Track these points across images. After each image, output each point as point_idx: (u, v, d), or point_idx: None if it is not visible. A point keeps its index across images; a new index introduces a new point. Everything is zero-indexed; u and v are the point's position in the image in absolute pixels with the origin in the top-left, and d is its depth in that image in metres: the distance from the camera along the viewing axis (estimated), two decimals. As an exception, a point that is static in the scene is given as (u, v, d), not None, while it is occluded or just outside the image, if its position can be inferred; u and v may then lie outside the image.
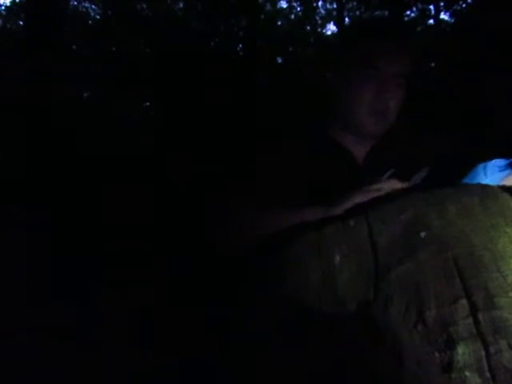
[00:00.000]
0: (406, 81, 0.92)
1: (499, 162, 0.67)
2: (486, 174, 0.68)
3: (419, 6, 7.40)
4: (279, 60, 9.59)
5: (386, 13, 7.29)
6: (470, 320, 0.43)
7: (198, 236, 0.90)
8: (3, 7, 8.62)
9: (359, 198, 0.75)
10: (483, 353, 0.41)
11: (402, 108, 0.94)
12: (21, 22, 7.60)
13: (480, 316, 0.42)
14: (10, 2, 9.05)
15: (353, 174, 0.94)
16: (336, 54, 1.01)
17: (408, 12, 7.65)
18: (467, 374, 0.40)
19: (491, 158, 0.73)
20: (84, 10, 8.46)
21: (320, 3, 10.73)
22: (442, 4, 6.87)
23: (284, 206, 0.83)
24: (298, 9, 10.55)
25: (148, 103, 7.94)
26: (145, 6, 8.35)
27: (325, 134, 1.00)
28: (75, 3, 8.10)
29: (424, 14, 7.56)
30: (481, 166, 0.68)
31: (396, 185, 0.76)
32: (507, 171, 0.66)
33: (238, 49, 8.32)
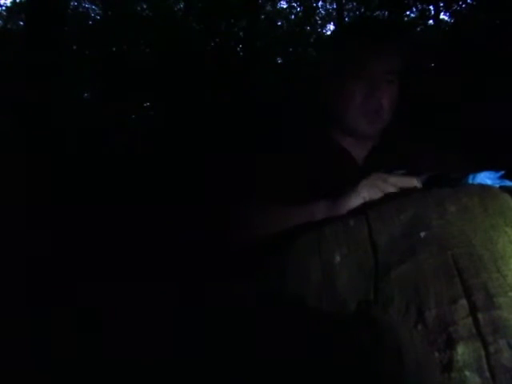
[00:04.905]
0: (398, 78, 0.92)
1: (489, 175, 0.65)
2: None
3: (419, 6, 7.39)
4: (279, 60, 9.59)
5: (386, 13, 7.29)
6: (470, 320, 0.43)
7: (202, 236, 0.89)
8: (3, 7, 8.62)
9: (369, 193, 0.70)
10: (483, 352, 0.41)
11: (396, 105, 0.94)
12: (21, 22, 7.59)
13: (480, 316, 0.42)
14: (11, 3, 9.05)
15: (352, 174, 0.94)
16: (327, 56, 1.02)
17: (408, 12, 7.65)
18: (467, 373, 0.40)
19: (488, 159, 0.72)
20: (84, 10, 8.46)
21: (320, 3, 10.74)
22: (441, 4, 6.86)
23: (288, 204, 0.81)
24: (298, 9, 10.55)
25: (148, 103, 7.93)
26: (145, 6, 8.36)
27: (324, 136, 0.99)
28: (75, 3, 8.10)
29: (424, 15, 7.54)
30: (470, 176, 0.66)
31: (412, 182, 0.70)
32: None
33: (238, 49, 8.32)
